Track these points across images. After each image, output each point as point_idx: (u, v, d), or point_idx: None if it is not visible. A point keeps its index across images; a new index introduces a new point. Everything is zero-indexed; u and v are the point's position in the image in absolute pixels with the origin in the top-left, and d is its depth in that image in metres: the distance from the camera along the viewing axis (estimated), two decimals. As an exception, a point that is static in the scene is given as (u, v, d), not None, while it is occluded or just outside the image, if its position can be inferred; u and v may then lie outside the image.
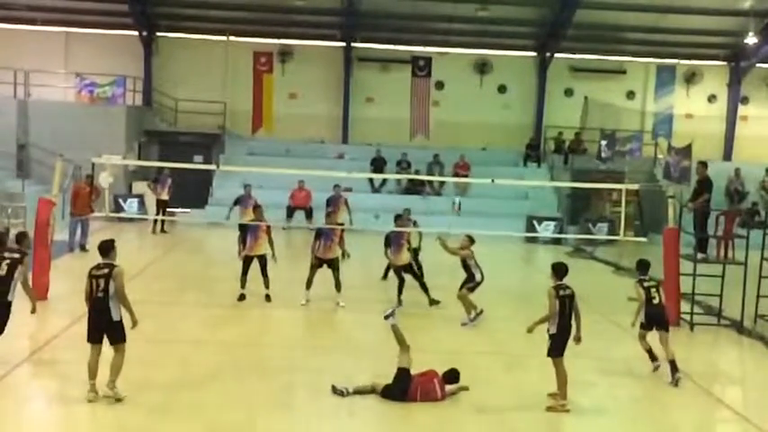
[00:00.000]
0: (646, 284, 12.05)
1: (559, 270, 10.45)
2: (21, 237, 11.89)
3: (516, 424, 9.90)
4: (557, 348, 10.17)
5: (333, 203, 21.68)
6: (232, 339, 13.00)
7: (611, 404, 10.89)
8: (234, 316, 14.61)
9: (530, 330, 10.51)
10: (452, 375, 10.48)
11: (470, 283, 14.60)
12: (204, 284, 17.35)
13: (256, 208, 16.07)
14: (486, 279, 18.76)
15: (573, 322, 10.28)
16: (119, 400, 9.63)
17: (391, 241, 15.76)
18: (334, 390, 10.16)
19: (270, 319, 14.99)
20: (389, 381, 10.21)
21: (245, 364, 11.63)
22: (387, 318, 10.51)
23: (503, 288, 18.89)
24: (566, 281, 10.45)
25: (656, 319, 11.97)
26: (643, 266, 12.33)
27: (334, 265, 15.36)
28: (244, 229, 15.86)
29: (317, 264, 15.31)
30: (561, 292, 10.21)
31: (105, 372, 9.84)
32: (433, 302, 15.56)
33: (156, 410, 9.58)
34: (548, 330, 10.26)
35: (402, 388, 10.11)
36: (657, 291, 12.09)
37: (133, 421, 9.34)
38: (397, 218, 17.04)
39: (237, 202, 21.71)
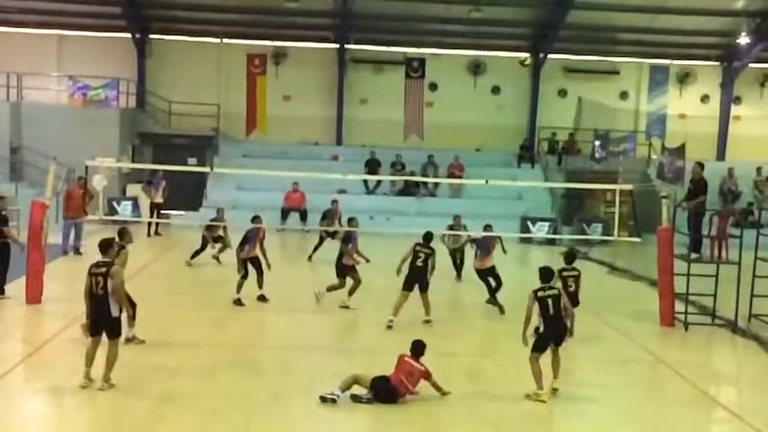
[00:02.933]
0: (564, 274, 13.47)
1: (543, 274, 10.98)
2: (122, 232, 12.73)
3: (510, 421, 9.92)
4: (537, 343, 10.64)
5: (329, 216, 21.77)
6: (228, 340, 13.00)
7: (606, 404, 10.90)
8: (229, 317, 14.58)
9: (525, 343, 10.75)
10: (419, 347, 10.51)
11: None
12: (199, 286, 17.35)
13: (255, 218, 16.15)
14: (480, 282, 18.84)
15: (566, 321, 10.79)
16: (112, 385, 10.10)
17: (479, 246, 16.17)
18: (324, 399, 10.01)
19: (264, 320, 15.00)
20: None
21: (242, 365, 11.66)
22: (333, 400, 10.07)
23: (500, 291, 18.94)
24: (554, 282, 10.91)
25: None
26: (569, 257, 14.02)
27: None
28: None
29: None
30: (540, 294, 10.68)
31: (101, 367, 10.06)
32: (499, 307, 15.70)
33: (151, 410, 9.58)
34: (536, 329, 10.78)
35: (387, 393, 10.11)
36: (576, 280, 13.63)
37: (128, 422, 9.36)
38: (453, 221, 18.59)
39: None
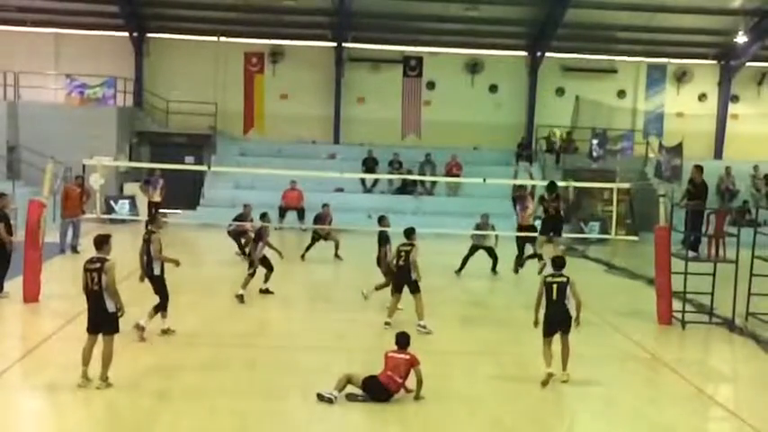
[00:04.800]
0: (545, 205, 16.94)
1: (555, 262, 11.64)
2: (152, 218, 13.66)
3: (508, 419, 9.93)
4: (543, 328, 11.24)
5: (320, 220, 21.79)
6: (225, 339, 12.99)
7: (604, 402, 10.90)
8: (226, 316, 14.58)
9: (536, 324, 11.33)
10: (402, 339, 10.53)
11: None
12: (196, 285, 17.31)
13: (264, 216, 16.94)
14: (480, 280, 18.87)
15: (570, 308, 11.17)
16: (109, 384, 10.10)
17: (517, 203, 18.62)
18: (321, 398, 10.01)
19: (262, 318, 14.99)
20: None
21: (239, 363, 11.66)
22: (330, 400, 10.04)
23: (495, 289, 18.96)
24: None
25: (552, 226, 15.91)
26: (551, 185, 17.00)
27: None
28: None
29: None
30: (549, 279, 11.33)
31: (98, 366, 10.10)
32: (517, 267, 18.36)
33: (149, 408, 9.57)
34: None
35: (379, 392, 10.10)
36: (558, 201, 16.73)
37: (126, 420, 9.34)
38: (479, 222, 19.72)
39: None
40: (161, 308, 12.68)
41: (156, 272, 12.69)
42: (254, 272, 15.62)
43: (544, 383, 10.95)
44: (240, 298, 15.36)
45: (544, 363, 11.13)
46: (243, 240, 19.73)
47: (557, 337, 11.28)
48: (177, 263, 13.11)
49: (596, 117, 30.43)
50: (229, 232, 20.15)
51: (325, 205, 22.01)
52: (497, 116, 31.97)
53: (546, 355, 11.16)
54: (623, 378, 12.10)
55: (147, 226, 13.26)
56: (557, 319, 11.13)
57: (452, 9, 29.59)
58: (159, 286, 12.74)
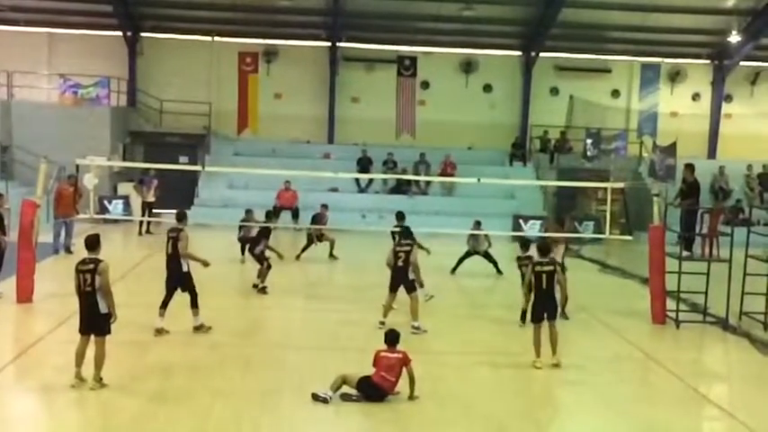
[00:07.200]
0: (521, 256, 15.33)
1: (541, 248, 12.28)
2: (180, 216, 13.62)
3: (502, 418, 9.93)
4: (532, 315, 12.04)
5: (317, 221, 21.79)
6: (219, 339, 12.96)
7: (598, 403, 10.91)
8: (220, 316, 14.50)
9: (525, 297, 12.40)
10: (391, 336, 10.54)
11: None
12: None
13: (269, 214, 18.20)
14: (475, 280, 18.88)
15: (556, 294, 11.93)
16: (103, 385, 10.10)
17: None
18: (316, 397, 10.01)
19: (256, 318, 14.98)
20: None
21: (234, 363, 11.65)
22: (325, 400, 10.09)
23: (489, 289, 18.97)
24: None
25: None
26: (524, 242, 15.79)
27: None
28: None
29: None
30: (538, 268, 11.87)
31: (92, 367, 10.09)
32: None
33: (143, 409, 9.55)
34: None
35: (374, 392, 10.11)
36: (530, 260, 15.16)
37: (120, 421, 9.33)
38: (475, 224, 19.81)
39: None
40: (193, 304, 12.97)
41: (185, 269, 12.91)
42: (269, 264, 16.35)
43: (535, 367, 11.72)
44: (263, 290, 16.12)
45: (534, 351, 11.76)
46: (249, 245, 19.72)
47: (546, 328, 11.81)
48: (205, 263, 13.35)
49: (590, 117, 30.45)
50: (240, 238, 20.13)
51: (323, 206, 22.00)
52: (492, 116, 31.97)
53: (536, 344, 11.77)
54: (617, 377, 12.11)
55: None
56: (545, 307, 11.77)
57: (446, 9, 29.56)
58: (188, 283, 12.97)
